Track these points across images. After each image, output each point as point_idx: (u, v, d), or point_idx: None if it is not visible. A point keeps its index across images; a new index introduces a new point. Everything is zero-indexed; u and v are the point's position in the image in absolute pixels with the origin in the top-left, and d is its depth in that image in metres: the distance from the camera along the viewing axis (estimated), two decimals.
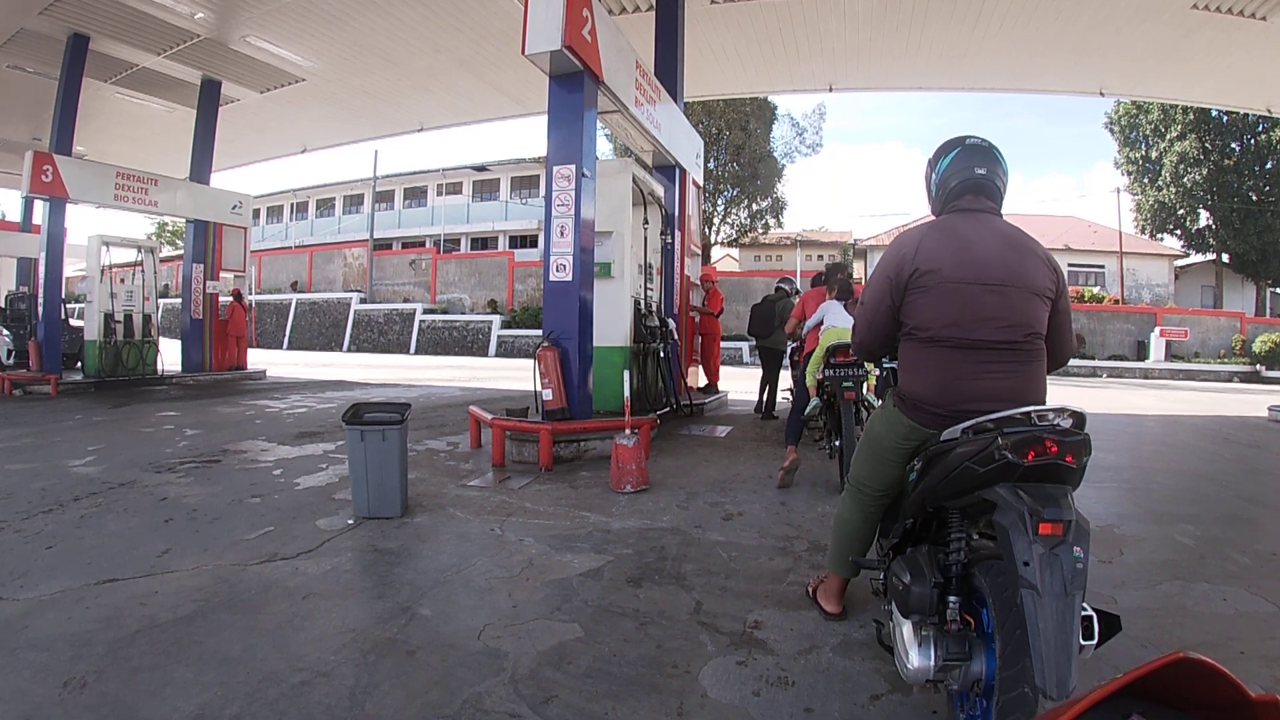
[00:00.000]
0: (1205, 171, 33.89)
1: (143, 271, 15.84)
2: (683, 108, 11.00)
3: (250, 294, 39.30)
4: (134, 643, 2.94)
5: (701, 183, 12.22)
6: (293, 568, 3.85)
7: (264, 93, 17.50)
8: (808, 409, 6.24)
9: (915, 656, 2.26)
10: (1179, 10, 12.47)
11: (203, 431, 8.53)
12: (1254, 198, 33.57)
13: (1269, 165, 33.14)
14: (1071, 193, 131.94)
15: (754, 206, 38.46)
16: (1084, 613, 1.96)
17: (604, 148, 30.75)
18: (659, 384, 8.78)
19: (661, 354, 8.59)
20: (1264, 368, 27.58)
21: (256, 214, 51.98)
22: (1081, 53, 14.52)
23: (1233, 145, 34.02)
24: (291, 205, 52.18)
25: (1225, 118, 33.39)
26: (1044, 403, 2.41)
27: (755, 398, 10.52)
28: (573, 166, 6.87)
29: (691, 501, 5.23)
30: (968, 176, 2.63)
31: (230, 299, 17.94)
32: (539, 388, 6.72)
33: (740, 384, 15.08)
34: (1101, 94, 16.60)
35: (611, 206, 7.89)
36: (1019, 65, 15.49)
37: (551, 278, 6.86)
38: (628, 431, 5.52)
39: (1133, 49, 14.16)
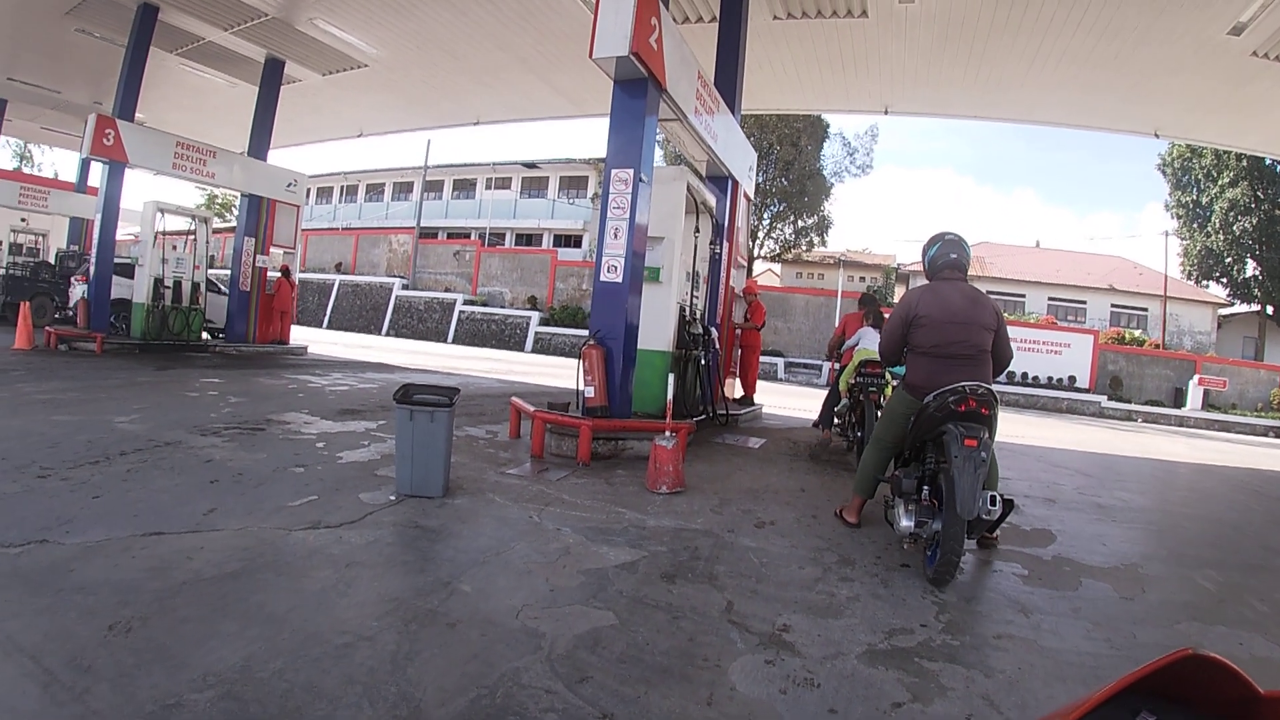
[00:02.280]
0: (1255, 220, 33.33)
1: (194, 240, 16.23)
2: (739, 120, 11.09)
3: (296, 271, 39.83)
4: (180, 594, 3.04)
5: (752, 196, 12.30)
6: (336, 536, 3.97)
7: (325, 75, 17.75)
8: (839, 406, 8.23)
9: (904, 520, 4.17)
10: (1237, 57, 12.33)
11: (246, 400, 8.72)
12: None
13: None
14: (1120, 231, 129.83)
15: (799, 223, 38.47)
16: (991, 494, 3.94)
17: (655, 155, 30.81)
18: (697, 391, 8.87)
19: (703, 361, 8.69)
20: None
21: (306, 194, 52.69)
22: (1137, 94, 14.37)
23: None
24: (341, 188, 52.95)
25: (1278, 166, 32.85)
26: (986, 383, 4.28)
27: (790, 413, 10.57)
28: (631, 171, 6.99)
29: (725, 507, 5.32)
30: (946, 259, 4.64)
31: (278, 274, 18.18)
32: (581, 384, 6.84)
33: (774, 399, 15.15)
34: (1156, 135, 16.39)
35: (664, 213, 7.99)
36: (1074, 102, 15.34)
37: (602, 278, 6.99)
38: (667, 434, 5.62)
39: (1188, 93, 14.00)
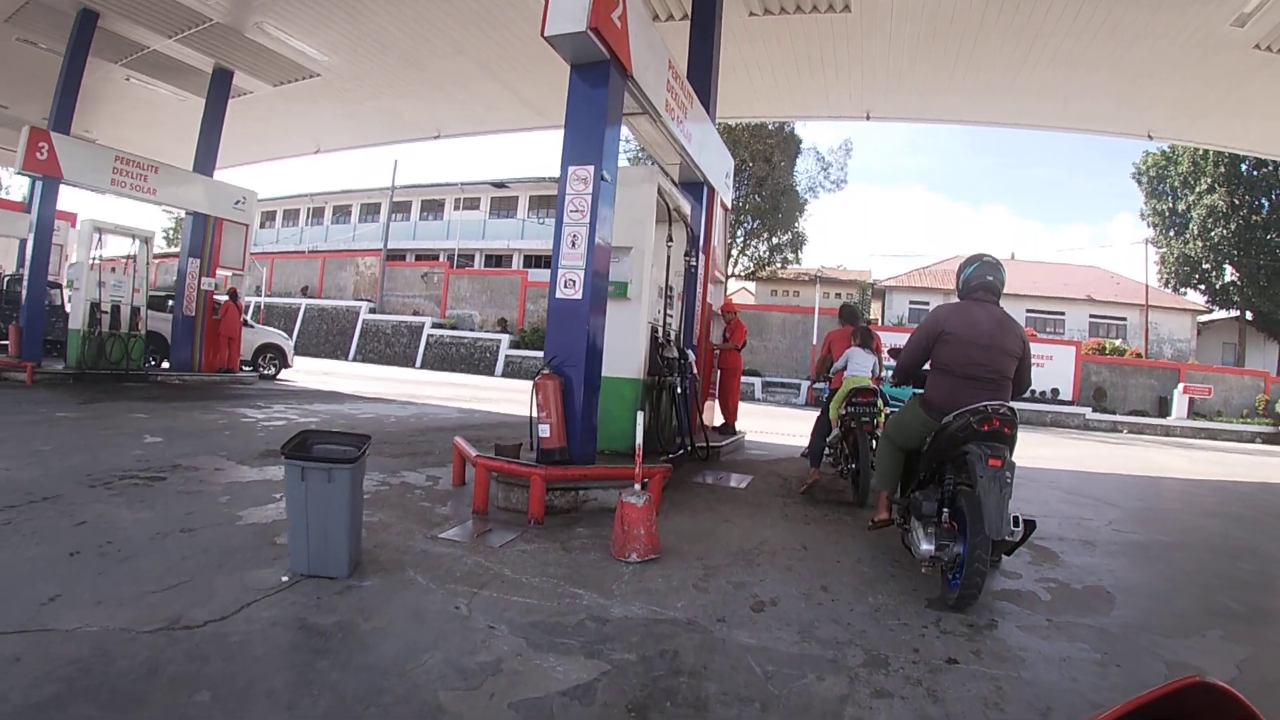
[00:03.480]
0: (1234, 226, 33.42)
1: (134, 262, 15.17)
2: (715, 123, 10.12)
3: (261, 295, 39.68)
4: None
5: (730, 205, 11.29)
6: (193, 644, 2.91)
7: (277, 86, 16.82)
8: (830, 436, 7.34)
9: (924, 543, 4.11)
10: (1240, 49, 11.64)
11: (164, 440, 7.63)
12: None
13: None
14: (1091, 242, 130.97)
15: (774, 240, 38.03)
16: (1015, 515, 3.89)
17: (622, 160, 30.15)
18: (673, 423, 7.79)
19: (678, 389, 7.61)
20: None
21: (272, 216, 52.52)
22: (1132, 93, 13.71)
23: (1262, 201, 33.53)
24: (308, 210, 51.82)
25: (1256, 172, 33.07)
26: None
27: (774, 440, 9.63)
28: (591, 168, 5.94)
29: (711, 579, 4.21)
30: (982, 280, 4.54)
31: (225, 298, 17.02)
32: (535, 421, 5.75)
33: (755, 422, 14.13)
34: (1150, 136, 15.76)
35: (632, 219, 6.96)
36: (1065, 105, 14.68)
37: (558, 294, 5.91)
38: (637, 488, 4.52)
39: (1187, 90, 13.32)
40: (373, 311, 36.13)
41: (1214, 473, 13.16)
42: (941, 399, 4.36)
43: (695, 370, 8.31)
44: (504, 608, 3.55)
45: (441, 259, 41.44)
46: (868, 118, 15.84)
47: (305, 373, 20.48)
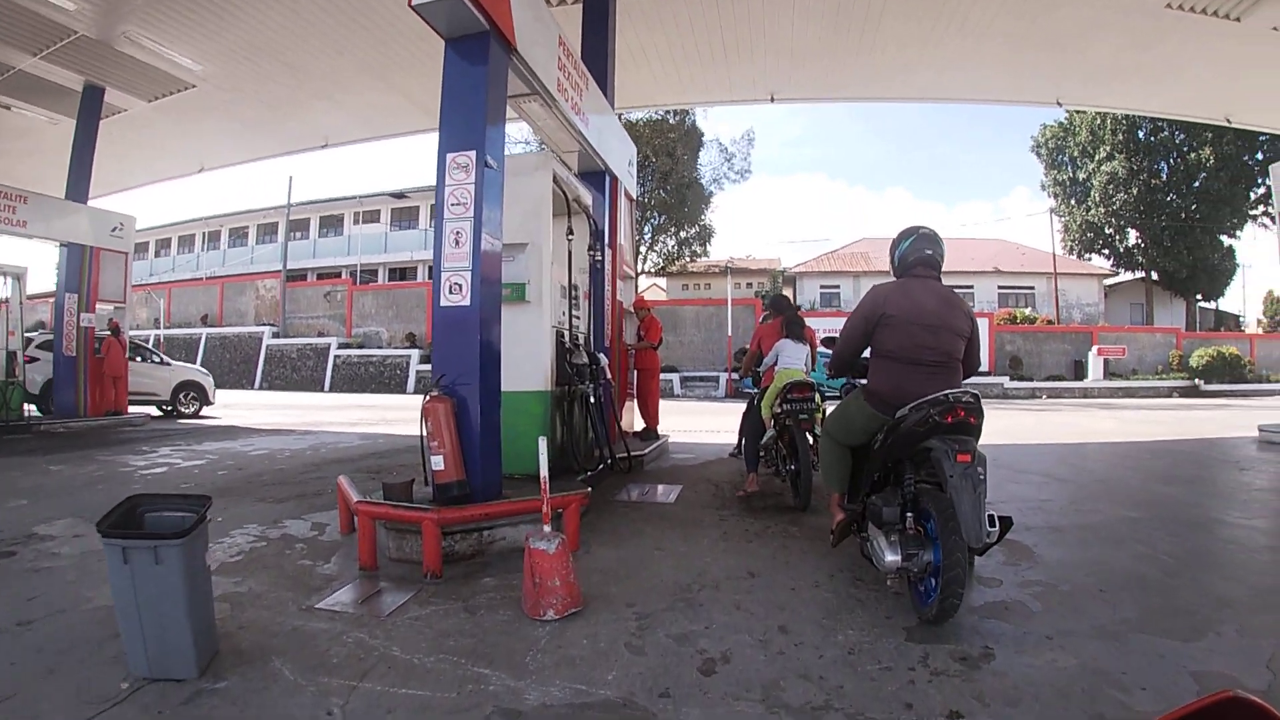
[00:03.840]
0: (1135, 191, 34.64)
1: (7, 304, 13.78)
2: (615, 110, 9.40)
3: (160, 328, 37.66)
4: None
5: (635, 195, 10.58)
6: None
7: (152, 102, 15.38)
8: (765, 438, 6.69)
9: (889, 554, 3.62)
10: (1154, 9, 11.46)
11: (29, 501, 6.59)
12: (1184, 216, 34.16)
13: (1196, 184, 33.84)
14: (991, 217, 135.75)
15: (681, 234, 37.95)
16: (990, 513, 3.37)
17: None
18: (589, 435, 7.04)
19: (591, 398, 6.86)
20: (1202, 381, 27.93)
21: (167, 244, 50.27)
22: (1043, 58, 13.53)
23: (1161, 165, 34.80)
24: (203, 234, 49.56)
25: (1154, 138, 34.32)
26: None
27: (699, 439, 8.99)
28: (472, 154, 5.14)
29: (647, 634, 3.45)
30: (920, 255, 4.14)
31: (107, 333, 15.55)
32: (427, 453, 4.92)
33: (677, 419, 13.50)
34: (1059, 103, 15.79)
35: (526, 211, 6.18)
36: (975, 75, 14.46)
37: (443, 302, 5.08)
38: (547, 529, 3.74)
39: (1099, 54, 13.20)
40: (276, 336, 34.74)
41: (1148, 432, 13.12)
42: (888, 389, 3.96)
43: (610, 375, 7.57)
44: (389, 707, 2.74)
45: (344, 276, 40.19)
46: (772, 100, 15.35)
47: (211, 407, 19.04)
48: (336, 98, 15.51)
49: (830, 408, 5.13)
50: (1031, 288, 39.04)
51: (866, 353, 4.27)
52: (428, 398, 4.93)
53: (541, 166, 6.30)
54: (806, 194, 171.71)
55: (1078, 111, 36.41)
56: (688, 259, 39.22)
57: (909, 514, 3.66)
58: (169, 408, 17.15)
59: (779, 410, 6.34)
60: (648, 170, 34.32)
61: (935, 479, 3.72)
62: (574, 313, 6.97)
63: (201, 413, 17.57)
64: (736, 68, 14.05)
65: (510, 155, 6.26)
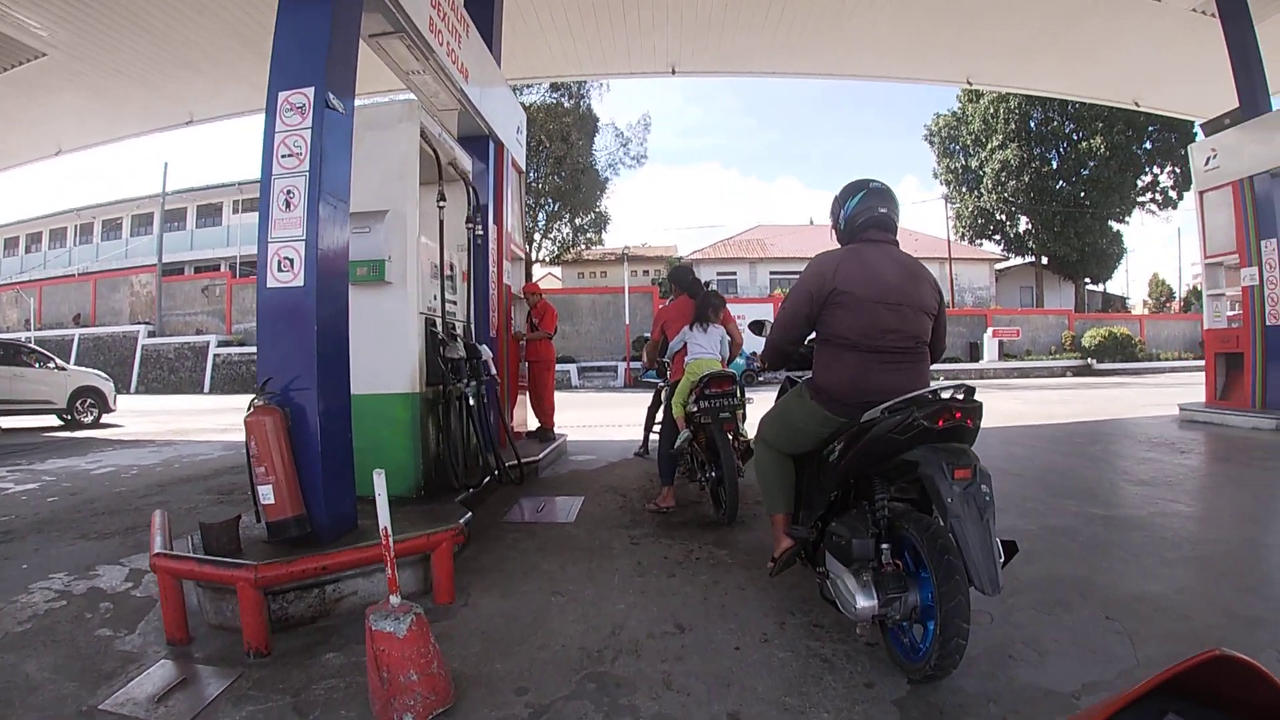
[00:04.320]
0: (1026, 178, 35.52)
1: None
2: (500, 69, 8.26)
3: (30, 329, 34.32)
4: None
5: (524, 167, 9.44)
6: None
7: (2, 73, 13.31)
8: (678, 441, 5.56)
9: (861, 599, 2.75)
10: None
11: None
12: (1074, 202, 35.24)
13: (1086, 172, 34.91)
14: None
15: (577, 221, 36.86)
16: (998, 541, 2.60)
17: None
18: (474, 440, 5.89)
19: (471, 400, 5.72)
20: (1094, 361, 28.79)
21: (37, 239, 46.21)
22: (957, 35, 13.00)
23: (1051, 154, 35.86)
24: (76, 227, 45.55)
25: (1045, 128, 35.34)
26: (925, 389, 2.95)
27: (600, 436, 8.02)
28: (310, 91, 3.99)
29: None
30: (872, 215, 3.27)
31: None
32: (254, 482, 3.76)
33: (575, 414, 12.46)
34: (969, 82, 15.31)
35: (386, 172, 5.02)
36: (884, 52, 13.80)
37: (269, 282, 3.90)
38: (395, 600, 2.61)
39: (1015, 33, 12.76)
40: (152, 335, 32.16)
41: (1064, 413, 12.81)
42: (844, 384, 3.14)
43: (495, 370, 6.42)
44: None
45: (223, 269, 37.63)
46: (673, 72, 14.35)
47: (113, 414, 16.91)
48: (201, 67, 13.64)
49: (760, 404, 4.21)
50: None
51: (810, 338, 3.44)
52: (250, 411, 3.77)
53: (406, 118, 5.12)
54: (701, 183, 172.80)
55: (970, 101, 37.23)
56: (583, 247, 38.13)
57: (884, 544, 2.83)
58: (67, 416, 15.43)
59: (694, 409, 5.33)
60: (541, 155, 33.19)
61: (910, 495, 3.04)
62: (449, 297, 5.80)
63: (102, 420, 15.84)
64: (637, 39, 13.02)
65: (368, 105, 5.14)
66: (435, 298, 5.47)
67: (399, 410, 4.95)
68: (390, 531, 2.52)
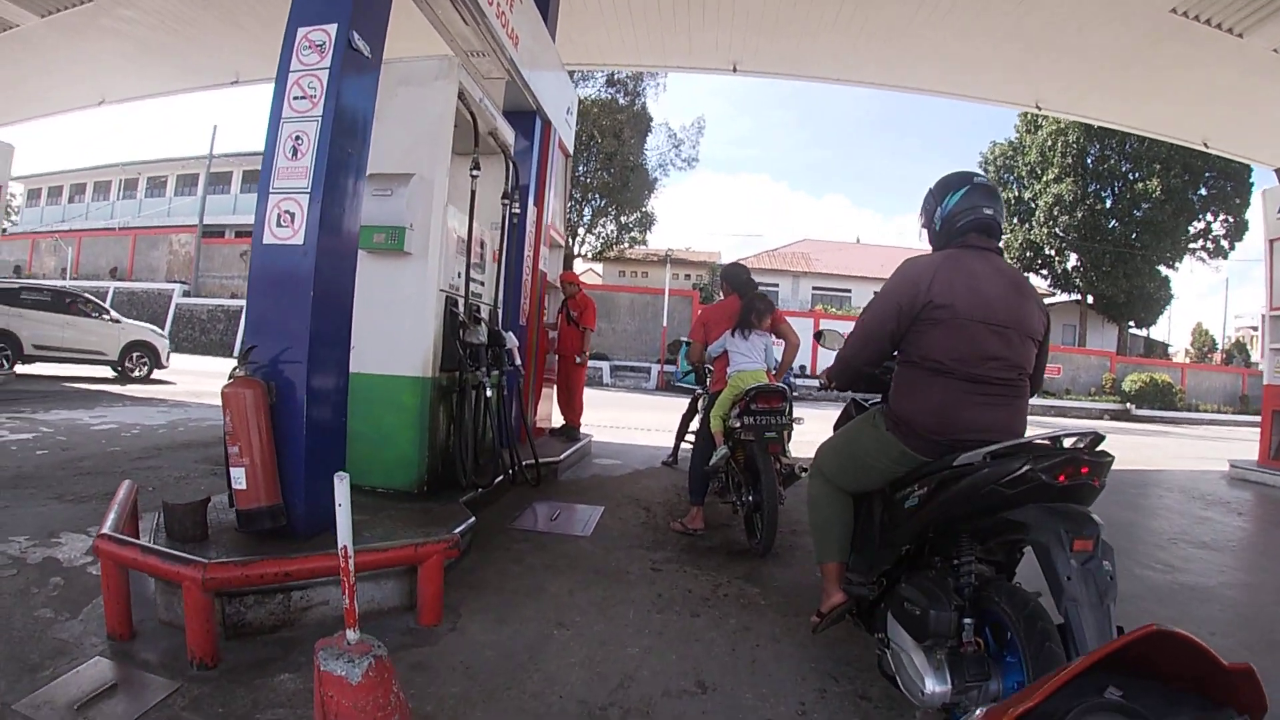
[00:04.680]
0: (1079, 215, 34.57)
1: None
2: (556, 44, 7.79)
3: (66, 279, 34.59)
4: None
5: (572, 150, 8.93)
6: None
7: (46, 16, 13.01)
8: (714, 458, 4.98)
9: (932, 682, 2.23)
10: (1155, 12, 10.26)
11: None
12: (1125, 243, 34.35)
13: (1139, 213, 34.02)
14: (920, 228, 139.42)
15: (622, 219, 36.34)
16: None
17: None
18: (488, 435, 5.36)
19: (489, 391, 5.16)
20: (1134, 406, 27.95)
21: (81, 189, 46.43)
22: (1029, 56, 12.22)
23: (1106, 192, 35.04)
24: (120, 182, 45.57)
25: (1102, 166, 34.68)
26: (1024, 433, 2.52)
27: (628, 439, 7.53)
28: (331, 29, 3.51)
29: None
30: (976, 216, 2.71)
31: None
32: (228, 463, 3.29)
33: (604, 413, 11.93)
34: (1038, 107, 14.46)
35: (416, 133, 4.54)
36: (954, 66, 13.05)
37: (266, 238, 3.43)
38: (350, 638, 2.07)
39: (1087, 56, 11.92)
40: (187, 295, 32.04)
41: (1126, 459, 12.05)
42: (931, 417, 2.57)
43: (520, 360, 5.88)
44: None
45: None
46: (734, 70, 13.78)
47: (87, 369, 16.72)
48: (247, 25, 13.38)
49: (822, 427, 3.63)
50: None
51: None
52: (229, 382, 3.30)
53: (444, 76, 4.62)
54: (749, 192, 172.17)
55: (1029, 132, 36.26)
56: (627, 245, 37.76)
57: (967, 619, 2.26)
58: (119, 369, 15.47)
59: (736, 424, 4.74)
60: (591, 150, 32.79)
61: (996, 557, 2.50)
62: (475, 276, 5.28)
63: (152, 376, 15.80)
64: (699, 29, 12.46)
65: (402, 59, 4.67)
66: (459, 275, 4.95)
67: (407, 396, 4.46)
68: (351, 550, 1.99)
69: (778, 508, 4.41)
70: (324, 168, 3.37)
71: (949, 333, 2.53)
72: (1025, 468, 2.17)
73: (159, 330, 16.98)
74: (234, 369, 3.35)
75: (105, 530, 2.98)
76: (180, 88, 17.62)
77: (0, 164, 13.92)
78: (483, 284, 5.51)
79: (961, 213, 2.72)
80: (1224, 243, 35.35)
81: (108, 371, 15.53)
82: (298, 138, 3.45)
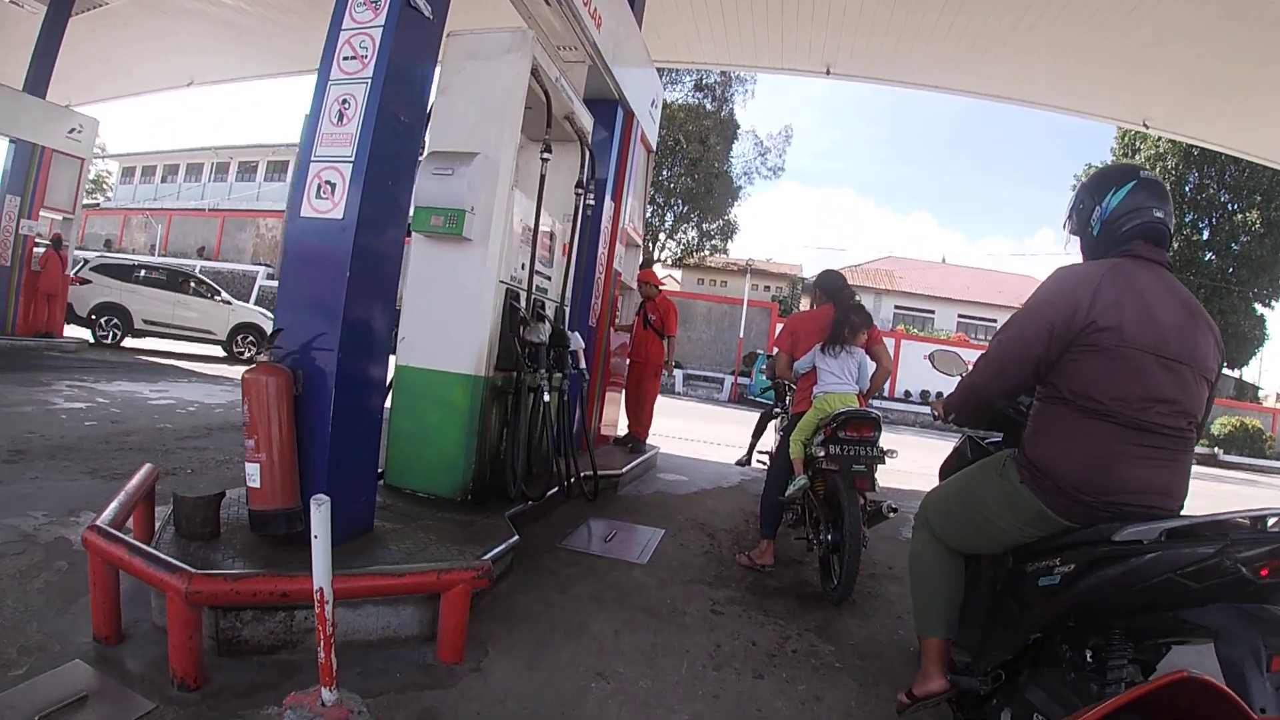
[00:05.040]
0: (1174, 245, 32.58)
1: None
2: (640, 33, 7.40)
3: (155, 255, 35.74)
4: None
5: (655, 145, 8.50)
6: None
7: None
8: (791, 488, 4.38)
9: None
10: (1268, 29, 9.41)
11: None
12: (1220, 277, 32.56)
13: (1236, 247, 32.13)
14: (1007, 252, 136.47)
15: (704, 226, 35.95)
16: None
17: None
18: (542, 445, 4.91)
19: (547, 395, 4.71)
20: (1221, 451, 26.52)
21: (175, 170, 48.08)
22: (1136, 70, 11.40)
23: (1203, 223, 33.32)
24: (212, 165, 47.15)
25: (1200, 195, 32.85)
26: (1185, 499, 2.08)
27: (695, 453, 7.23)
28: None
29: None
30: (1146, 219, 2.20)
31: (47, 246, 13.70)
32: (247, 460, 2.95)
33: (672, 423, 11.49)
34: (1145, 125, 13.60)
35: (482, 109, 4.15)
36: (1058, 78, 12.28)
37: (304, 210, 3.09)
38: (325, 696, 1.67)
39: (1198, 70, 11.04)
40: (270, 277, 32.25)
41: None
42: (1082, 471, 2.04)
43: (585, 363, 5.43)
44: None
45: None
46: (828, 73, 13.23)
47: (172, 342, 17.03)
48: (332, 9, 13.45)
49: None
50: None
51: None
52: (252, 366, 2.96)
53: (516, 49, 4.23)
54: (833, 206, 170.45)
55: (1125, 155, 34.57)
56: (707, 253, 37.33)
57: None
58: (228, 349, 15.95)
59: (821, 454, 4.18)
60: (676, 155, 32.52)
61: (1144, 656, 1.96)
62: (541, 270, 4.85)
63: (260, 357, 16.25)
64: (793, 27, 11.95)
65: (473, 30, 4.32)
66: (523, 267, 4.52)
67: (457, 394, 4.07)
68: (328, 594, 1.59)
69: (860, 551, 3.87)
70: (370, 134, 3.00)
71: (1112, 364, 2.01)
72: (1224, 556, 1.64)
73: (268, 313, 17.23)
74: (259, 353, 3.00)
75: (99, 521, 2.65)
76: (266, 72, 17.88)
77: (86, 137, 14.06)
78: (549, 279, 5.09)
79: (1126, 215, 2.20)
80: None
81: (219, 351, 15.95)
82: (344, 101, 3.10)
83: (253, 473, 2.87)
